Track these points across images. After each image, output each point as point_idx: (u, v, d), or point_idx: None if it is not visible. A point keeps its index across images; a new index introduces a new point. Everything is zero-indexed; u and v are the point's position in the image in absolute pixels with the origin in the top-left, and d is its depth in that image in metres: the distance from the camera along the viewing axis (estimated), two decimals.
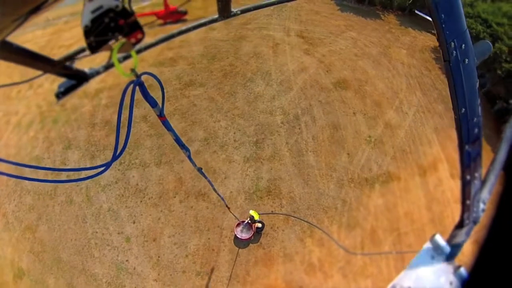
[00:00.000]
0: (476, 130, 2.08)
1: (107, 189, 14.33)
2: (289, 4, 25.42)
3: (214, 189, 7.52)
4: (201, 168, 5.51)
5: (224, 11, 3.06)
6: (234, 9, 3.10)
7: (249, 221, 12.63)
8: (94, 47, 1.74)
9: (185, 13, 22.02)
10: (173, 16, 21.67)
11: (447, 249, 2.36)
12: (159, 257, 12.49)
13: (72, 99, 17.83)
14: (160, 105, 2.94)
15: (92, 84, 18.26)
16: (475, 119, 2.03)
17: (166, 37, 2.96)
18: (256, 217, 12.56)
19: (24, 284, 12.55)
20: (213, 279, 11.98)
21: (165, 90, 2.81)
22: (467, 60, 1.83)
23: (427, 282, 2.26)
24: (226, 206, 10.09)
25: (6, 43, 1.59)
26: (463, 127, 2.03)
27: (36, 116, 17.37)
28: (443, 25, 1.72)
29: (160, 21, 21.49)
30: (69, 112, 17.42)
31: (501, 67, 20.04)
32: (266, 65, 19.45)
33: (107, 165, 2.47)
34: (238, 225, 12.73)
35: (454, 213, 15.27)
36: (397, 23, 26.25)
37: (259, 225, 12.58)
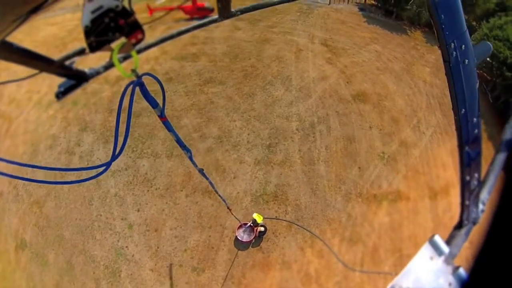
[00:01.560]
0: (475, 131, 2.10)
1: (116, 174, 14.65)
2: (315, 11, 25.41)
3: (216, 191, 7.55)
4: (203, 169, 5.47)
5: (224, 11, 3.06)
6: (234, 9, 3.11)
7: (252, 224, 12.67)
8: (94, 47, 1.75)
9: (212, 10, 22.28)
10: (200, 12, 22.01)
11: (446, 249, 2.34)
12: (158, 247, 12.71)
13: (94, 83, 18.34)
14: (161, 105, 2.93)
15: (114, 71, 18.72)
16: (475, 119, 2.05)
17: (166, 37, 2.95)
18: (259, 221, 12.60)
19: (25, 255, 13.01)
20: (208, 277, 12.08)
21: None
22: (467, 60, 1.85)
23: (425, 283, 2.26)
24: (228, 207, 10.14)
25: (6, 43, 1.59)
26: (463, 128, 2.06)
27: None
28: (443, 26, 1.72)
29: (187, 16, 21.84)
30: (89, 95, 17.90)
31: None
32: (287, 70, 19.49)
33: (107, 165, 2.46)
34: (239, 227, 12.82)
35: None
36: (423, 40, 25.88)
37: (262, 229, 12.62)
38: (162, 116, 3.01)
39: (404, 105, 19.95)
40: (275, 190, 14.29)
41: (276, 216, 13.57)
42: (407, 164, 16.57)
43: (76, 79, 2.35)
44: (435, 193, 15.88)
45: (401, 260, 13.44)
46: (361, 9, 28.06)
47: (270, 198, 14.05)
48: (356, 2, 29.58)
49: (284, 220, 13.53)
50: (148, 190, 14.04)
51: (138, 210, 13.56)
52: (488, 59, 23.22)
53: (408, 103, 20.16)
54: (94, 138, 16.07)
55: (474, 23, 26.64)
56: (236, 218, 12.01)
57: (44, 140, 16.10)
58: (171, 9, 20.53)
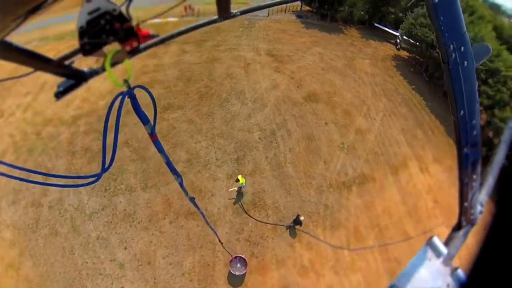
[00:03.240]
0: (474, 133, 2.13)
1: (93, 217, 14.71)
2: (256, 24, 27.60)
3: (207, 222, 7.62)
4: (194, 198, 5.45)
5: (224, 12, 3.12)
6: (233, 10, 3.17)
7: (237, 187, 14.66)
8: (87, 50, 1.79)
9: (157, 36, 23.39)
10: (146, 40, 23.08)
11: (444, 251, 2.41)
12: (155, 279, 13.03)
13: (49, 127, 18.31)
14: (152, 123, 2.87)
15: (68, 111, 18.96)
16: (474, 121, 2.08)
17: (166, 37, 2.96)
18: (242, 182, 14.48)
19: None
20: None
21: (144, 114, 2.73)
22: (466, 62, 1.89)
23: (424, 284, 2.32)
24: (219, 241, 10.35)
25: (6, 43, 1.63)
26: (462, 130, 2.09)
27: (9, 146, 17.39)
28: (442, 27, 1.76)
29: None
30: (45, 140, 17.64)
31: None
32: (240, 84, 21.08)
33: (98, 176, 2.46)
34: (231, 261, 13.25)
35: (427, 203, 17.33)
36: (359, 36, 29.11)
37: (302, 218, 14.20)
38: (152, 135, 2.94)
39: (353, 97, 22.44)
40: (252, 198, 15.50)
41: (263, 220, 14.83)
42: (365, 149, 18.77)
43: (75, 78, 2.38)
44: (396, 169, 18.21)
45: (381, 232, 15.40)
46: (298, 16, 30.93)
47: (249, 206, 15.18)
48: (292, 11, 32.46)
49: (270, 224, 14.79)
50: (130, 226, 14.37)
51: (126, 248, 13.78)
52: (417, 43, 26.83)
53: (356, 95, 22.70)
54: None
55: (401, 14, 30.54)
56: (228, 252, 12.54)
57: (4, 196, 15.56)
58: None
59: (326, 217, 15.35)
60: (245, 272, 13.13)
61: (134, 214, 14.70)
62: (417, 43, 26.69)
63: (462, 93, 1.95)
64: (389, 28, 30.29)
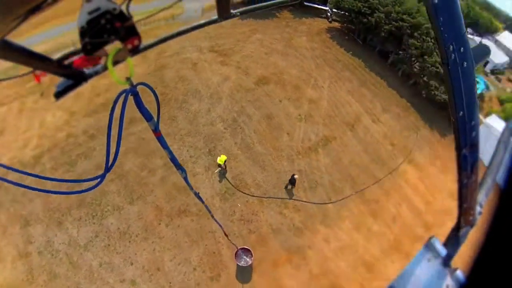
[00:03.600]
0: (473, 133, 2.13)
1: (89, 246, 14.82)
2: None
3: (211, 215, 7.80)
4: (198, 193, 5.63)
5: (224, 12, 3.10)
6: (233, 10, 3.16)
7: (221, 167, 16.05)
8: (89, 50, 1.81)
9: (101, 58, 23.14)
10: (91, 62, 22.58)
11: (444, 252, 2.42)
12: (170, 282, 13.80)
13: (9, 175, 17.67)
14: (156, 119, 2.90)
15: (27, 152, 18.17)
16: (473, 122, 2.08)
17: (166, 37, 3.00)
18: (222, 161, 16.21)
19: None
20: (226, 277, 13.85)
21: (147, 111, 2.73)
22: (465, 63, 1.89)
23: (423, 285, 2.32)
24: (225, 234, 10.61)
25: (6, 43, 1.66)
26: (461, 130, 2.09)
27: None
28: (442, 28, 1.77)
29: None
30: (12, 189, 16.69)
31: (383, 29, 25.89)
32: (193, 84, 22.04)
33: (101, 177, 2.49)
34: (236, 253, 13.91)
35: (385, 147, 19.96)
36: (291, 17, 31.10)
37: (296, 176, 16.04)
38: (156, 131, 2.96)
39: (298, 73, 24.39)
40: (234, 182, 16.82)
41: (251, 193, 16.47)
42: (321, 114, 20.86)
43: (74, 78, 2.40)
44: (352, 125, 20.57)
45: (354, 181, 17.84)
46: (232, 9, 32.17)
47: (234, 190, 16.56)
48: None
49: (257, 196, 16.45)
50: (129, 241, 14.85)
51: (132, 263, 14.27)
52: (346, 13, 29.37)
53: (301, 70, 24.68)
54: (44, 227, 15.50)
55: None
56: (233, 244, 12.73)
57: None
58: None
59: (303, 180, 17.16)
60: (252, 263, 13.90)
61: (129, 229, 15.20)
62: (346, 13, 29.26)
63: (462, 93, 1.96)
64: (318, 5, 32.56)
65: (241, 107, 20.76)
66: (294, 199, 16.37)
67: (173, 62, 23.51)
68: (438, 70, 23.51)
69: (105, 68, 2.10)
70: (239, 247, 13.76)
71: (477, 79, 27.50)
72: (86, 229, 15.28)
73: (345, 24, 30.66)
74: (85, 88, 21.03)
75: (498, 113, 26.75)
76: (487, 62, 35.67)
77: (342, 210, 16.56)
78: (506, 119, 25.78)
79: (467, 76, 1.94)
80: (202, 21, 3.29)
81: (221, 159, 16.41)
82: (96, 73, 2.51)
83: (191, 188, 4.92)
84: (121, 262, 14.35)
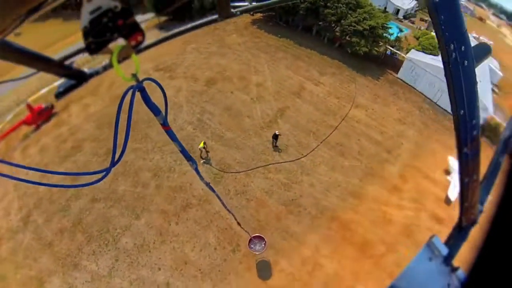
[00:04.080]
0: (474, 132, 2.15)
1: (113, 272, 15.68)
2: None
3: (223, 204, 7.95)
4: (209, 183, 5.76)
5: (224, 11, 3.10)
6: (233, 9, 3.13)
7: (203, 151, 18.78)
8: (93, 49, 1.82)
9: (52, 107, 23.42)
10: (41, 116, 23.04)
11: (445, 250, 2.45)
12: (200, 270, 15.46)
13: (2, 247, 17.33)
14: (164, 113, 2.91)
15: (12, 218, 18.09)
16: (474, 121, 2.10)
17: (167, 36, 2.91)
18: (202, 144, 18.85)
19: None
20: (244, 245, 15.43)
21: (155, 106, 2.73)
22: (466, 62, 1.90)
23: (424, 283, 2.36)
24: (238, 223, 10.95)
25: (6, 43, 1.67)
26: (462, 129, 2.12)
27: None
28: (443, 27, 1.79)
29: (32, 126, 22.50)
30: (12, 253, 17.05)
31: (300, 8, 29.89)
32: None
33: (107, 170, 2.49)
34: (250, 241, 14.70)
35: (333, 101, 24.05)
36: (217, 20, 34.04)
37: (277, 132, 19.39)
38: (165, 125, 3.00)
39: (239, 66, 27.39)
40: (219, 167, 19.25)
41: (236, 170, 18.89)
42: (270, 93, 24.18)
43: (75, 79, 2.34)
44: (298, 93, 24.13)
45: (316, 134, 21.32)
46: (160, 28, 34.32)
47: (221, 174, 19.02)
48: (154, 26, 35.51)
49: (242, 171, 19.01)
50: (149, 251, 16.19)
51: (160, 269, 15.59)
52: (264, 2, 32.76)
53: (241, 63, 27.69)
54: (60, 277, 15.70)
55: None
56: (246, 231, 13.13)
57: None
58: (15, 128, 21.75)
59: (274, 148, 20.14)
60: (265, 249, 14.84)
61: (145, 240, 16.60)
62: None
63: (463, 92, 1.97)
64: (237, 2, 35.81)
65: (201, 108, 23.16)
66: (273, 163, 19.18)
67: (124, 90, 25.26)
68: (355, 28, 27.72)
69: (105, 68, 2.11)
70: (252, 235, 14.39)
71: (390, 26, 32.22)
72: (104, 258, 16.04)
73: (266, 13, 34.14)
74: (48, 141, 22.12)
75: (416, 48, 31.40)
76: (398, 10, 41.25)
77: (315, 159, 19.74)
78: (423, 50, 30.73)
79: (468, 74, 1.94)
80: (202, 21, 3.32)
81: (201, 144, 19.01)
82: (97, 73, 2.54)
83: (202, 179, 5.00)
84: (149, 272, 15.51)
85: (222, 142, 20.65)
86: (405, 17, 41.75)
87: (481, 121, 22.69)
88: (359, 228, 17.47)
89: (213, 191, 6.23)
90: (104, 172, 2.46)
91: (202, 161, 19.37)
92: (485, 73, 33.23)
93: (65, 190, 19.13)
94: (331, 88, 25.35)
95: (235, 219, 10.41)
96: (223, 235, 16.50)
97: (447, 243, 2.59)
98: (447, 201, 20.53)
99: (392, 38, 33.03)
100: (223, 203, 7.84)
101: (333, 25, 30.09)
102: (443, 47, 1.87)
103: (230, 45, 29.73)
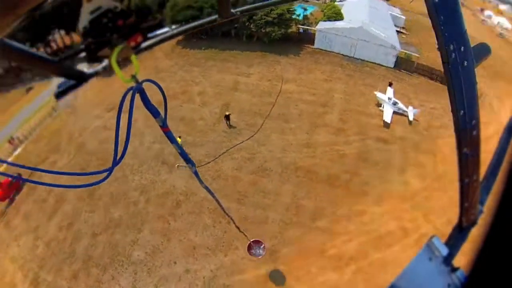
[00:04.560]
0: (474, 133, 2.17)
1: (137, 284, 17.64)
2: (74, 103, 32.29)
3: (222, 207, 7.94)
4: (208, 187, 5.86)
5: (224, 12, 3.15)
6: (233, 10, 3.22)
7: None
8: (92, 50, 1.83)
9: (19, 176, 23.19)
10: (13, 187, 23.47)
11: (445, 251, 2.47)
12: (208, 248, 18.16)
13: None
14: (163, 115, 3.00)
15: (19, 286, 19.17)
16: (474, 121, 2.12)
17: (166, 36, 3.02)
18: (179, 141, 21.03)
19: None
20: (237, 215, 17.86)
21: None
22: (466, 62, 1.92)
23: (424, 284, 2.39)
24: (236, 226, 11.12)
25: (6, 43, 1.66)
26: (462, 130, 2.13)
27: None
28: (442, 27, 1.80)
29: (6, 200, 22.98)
30: None
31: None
32: (111, 140, 26.50)
33: (110, 170, 2.58)
34: (249, 246, 15.29)
35: (264, 84, 28.08)
36: (145, 52, 37.00)
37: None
38: (164, 126, 3.10)
39: (179, 83, 30.79)
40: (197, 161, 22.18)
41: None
42: (211, 96, 28.58)
43: (75, 79, 2.37)
44: (235, 88, 28.40)
45: (259, 114, 25.41)
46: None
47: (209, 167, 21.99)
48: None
49: (211, 161, 22.42)
50: (161, 252, 18.52)
51: (175, 262, 18.09)
52: (183, 22, 36.09)
53: (178, 81, 31.11)
54: None
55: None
56: (245, 235, 13.56)
57: None
58: None
59: (229, 126, 23.84)
60: (264, 253, 15.70)
61: (153, 246, 18.91)
62: (183, 23, 36.17)
63: (462, 93, 1.99)
64: (159, 30, 38.95)
65: (159, 127, 25.97)
66: (233, 147, 22.64)
67: (89, 136, 27.19)
68: (266, 20, 32.25)
69: (104, 68, 2.20)
70: (251, 240, 14.94)
71: (295, 9, 37.18)
72: (124, 277, 17.99)
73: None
74: (28, 207, 23.10)
75: (323, 19, 36.71)
76: None
77: (266, 132, 23.85)
78: (328, 19, 36.00)
79: (467, 75, 1.97)
80: (202, 21, 3.49)
81: (178, 140, 21.55)
82: (97, 73, 2.59)
83: (201, 182, 5.14)
84: (168, 269, 17.94)
85: (185, 146, 23.47)
86: None
87: (394, 58, 26.70)
88: (321, 169, 21.32)
89: (212, 194, 6.33)
90: (107, 172, 2.58)
91: (177, 165, 22.03)
92: (389, 20, 39.45)
93: (62, 241, 20.50)
94: (260, 75, 29.70)
95: (234, 222, 10.77)
96: (215, 214, 19.40)
97: (447, 243, 2.62)
98: (386, 125, 25.28)
99: (300, 18, 38.07)
100: (221, 206, 7.82)
101: (247, 23, 34.36)
102: (442, 47, 1.89)
103: (164, 69, 32.82)
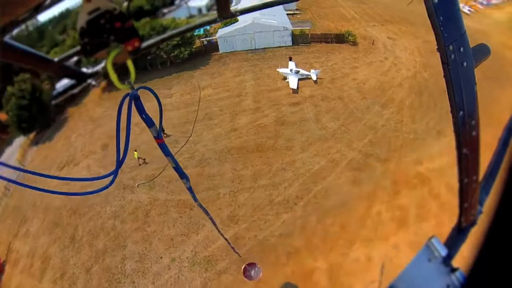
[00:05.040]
0: (474, 133, 2.20)
1: None
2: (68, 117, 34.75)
3: (215, 226, 7.89)
4: (201, 204, 5.58)
5: (224, 11, 3.20)
6: (233, 10, 3.29)
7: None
8: (88, 51, 1.84)
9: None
10: None
11: (444, 251, 2.49)
12: (197, 234, 21.96)
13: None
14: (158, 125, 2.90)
15: None
16: (473, 122, 2.15)
17: (166, 37, 3.07)
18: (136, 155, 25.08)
19: None
20: (223, 198, 22.54)
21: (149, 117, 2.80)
22: (465, 63, 1.95)
23: (424, 284, 2.41)
24: (230, 246, 10.75)
25: (8, 43, 1.69)
26: (461, 130, 2.16)
27: None
28: (442, 28, 1.83)
29: None
30: None
31: None
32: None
33: (114, 173, 2.59)
34: (245, 269, 14.87)
35: (186, 97, 32.18)
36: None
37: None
38: (158, 137, 2.92)
39: (114, 126, 34.08)
40: (148, 179, 26.15)
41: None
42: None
43: (75, 79, 2.61)
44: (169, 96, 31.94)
45: (187, 120, 29.16)
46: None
47: (153, 182, 25.78)
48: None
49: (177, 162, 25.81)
50: (149, 251, 21.93)
51: (161, 257, 21.43)
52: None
53: (114, 124, 34.37)
54: None
55: None
56: (239, 255, 13.32)
57: None
58: None
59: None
60: (260, 277, 15.12)
61: (143, 251, 22.35)
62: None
63: (461, 93, 2.01)
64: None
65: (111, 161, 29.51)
66: (176, 153, 26.79)
67: (80, 154, 30.18)
68: (172, 44, 37.58)
69: (104, 69, 2.06)
70: (246, 264, 15.01)
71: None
72: None
73: (107, 78, 41.19)
74: (17, 277, 24.93)
75: (220, 27, 41.98)
76: (200, 9, 52.56)
77: (198, 133, 28.47)
78: (224, 25, 41.30)
79: (467, 76, 2.00)
80: (202, 21, 3.67)
81: (135, 154, 25.31)
82: (97, 73, 4.01)
83: (195, 200, 4.92)
84: (156, 266, 21.21)
85: (151, 157, 27.60)
86: (209, 10, 53.09)
87: (290, 37, 39.07)
88: (250, 143, 26.69)
89: (206, 212, 6.18)
90: (112, 175, 2.60)
91: (137, 184, 25.62)
92: (278, 8, 45.66)
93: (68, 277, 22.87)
94: (181, 92, 34.64)
95: (228, 242, 10.48)
96: (178, 207, 23.69)
97: (446, 243, 2.60)
98: (294, 92, 31.31)
99: (201, 32, 43.22)
100: (216, 226, 7.77)
101: (157, 52, 38.96)
102: (442, 48, 1.90)
103: (99, 116, 35.88)
